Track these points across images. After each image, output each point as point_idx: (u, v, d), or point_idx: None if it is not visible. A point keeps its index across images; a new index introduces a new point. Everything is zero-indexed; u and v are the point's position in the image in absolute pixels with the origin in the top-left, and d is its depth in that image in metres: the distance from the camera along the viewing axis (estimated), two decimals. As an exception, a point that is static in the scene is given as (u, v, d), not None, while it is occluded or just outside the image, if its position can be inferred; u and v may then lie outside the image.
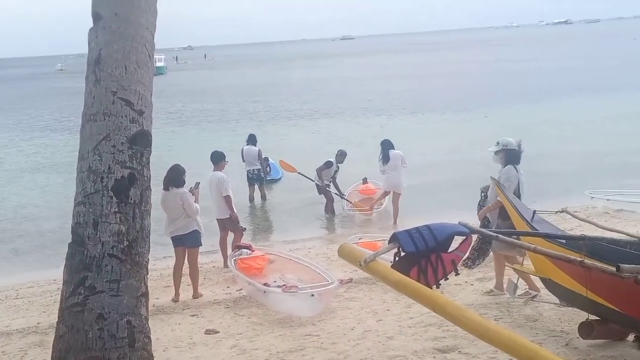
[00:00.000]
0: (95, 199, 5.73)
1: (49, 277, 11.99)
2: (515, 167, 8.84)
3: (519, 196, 8.72)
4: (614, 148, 22.20)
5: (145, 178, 5.99)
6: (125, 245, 5.73)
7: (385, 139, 15.06)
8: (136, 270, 5.79)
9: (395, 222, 14.44)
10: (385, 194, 15.24)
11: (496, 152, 9.03)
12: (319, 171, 15.81)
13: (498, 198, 8.63)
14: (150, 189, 6.09)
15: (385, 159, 14.50)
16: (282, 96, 48.87)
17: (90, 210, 5.72)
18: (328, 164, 15.78)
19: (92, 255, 5.64)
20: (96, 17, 6.05)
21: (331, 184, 15.99)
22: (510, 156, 8.88)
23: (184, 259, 10.15)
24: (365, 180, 16.83)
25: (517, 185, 8.76)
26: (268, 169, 18.97)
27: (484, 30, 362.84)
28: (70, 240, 5.83)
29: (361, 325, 8.15)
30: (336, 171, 15.95)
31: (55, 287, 10.80)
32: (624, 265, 5.02)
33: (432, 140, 26.01)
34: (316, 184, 15.96)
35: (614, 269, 5.08)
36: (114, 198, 5.75)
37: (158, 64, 71.84)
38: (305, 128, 32.20)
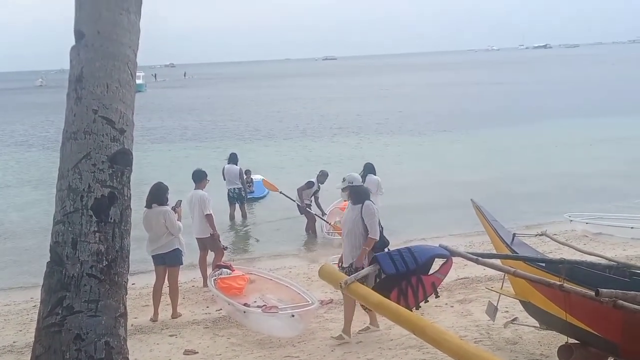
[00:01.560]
0: (75, 218, 5.66)
1: (26, 296, 11.85)
2: (372, 202, 8.85)
3: (382, 228, 8.70)
4: (592, 171, 22.41)
5: (126, 197, 5.93)
6: (104, 265, 5.66)
7: (368, 163, 15.06)
8: (115, 291, 5.72)
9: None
10: None
11: (343, 189, 9.05)
12: (300, 191, 15.79)
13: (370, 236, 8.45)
14: (131, 208, 6.04)
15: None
16: (260, 114, 48.84)
17: (70, 229, 5.65)
18: (309, 184, 15.77)
19: (71, 275, 5.56)
20: (78, 35, 6.00)
21: (312, 204, 15.97)
22: (360, 192, 8.81)
23: (165, 278, 10.08)
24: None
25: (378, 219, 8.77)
26: (251, 186, 18.93)
27: (465, 53, 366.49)
28: (49, 259, 5.77)
29: (341, 347, 8.13)
30: (317, 191, 15.94)
31: (32, 306, 10.66)
32: (602, 289, 5.06)
33: (409, 162, 26.14)
34: (297, 204, 15.94)
35: (593, 293, 5.12)
36: (94, 217, 5.68)
37: (137, 82, 71.17)
38: (283, 147, 31.99)
